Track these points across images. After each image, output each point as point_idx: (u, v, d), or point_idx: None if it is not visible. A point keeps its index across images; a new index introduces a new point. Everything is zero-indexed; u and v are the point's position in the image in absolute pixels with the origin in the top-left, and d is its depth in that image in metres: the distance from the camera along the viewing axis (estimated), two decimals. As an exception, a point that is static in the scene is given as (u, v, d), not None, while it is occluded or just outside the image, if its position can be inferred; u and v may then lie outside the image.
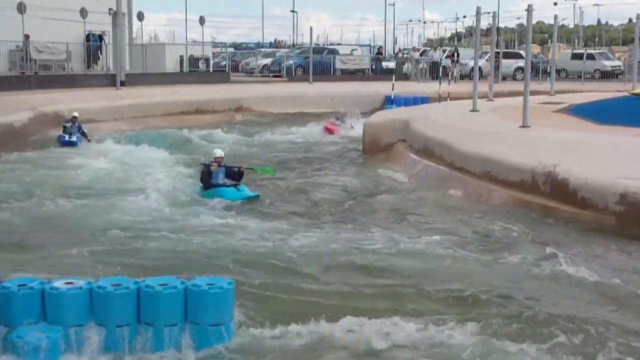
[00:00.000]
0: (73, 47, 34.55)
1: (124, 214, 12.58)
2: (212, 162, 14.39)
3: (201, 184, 14.48)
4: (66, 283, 6.85)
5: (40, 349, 6.46)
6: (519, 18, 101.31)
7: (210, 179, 14.26)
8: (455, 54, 41.46)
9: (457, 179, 14.96)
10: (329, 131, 25.90)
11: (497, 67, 40.91)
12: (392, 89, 31.54)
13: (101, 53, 37.11)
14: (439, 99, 23.84)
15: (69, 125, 22.16)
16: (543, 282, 9.15)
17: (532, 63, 22.64)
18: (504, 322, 7.68)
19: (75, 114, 22.70)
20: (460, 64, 41.17)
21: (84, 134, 22.44)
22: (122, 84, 32.75)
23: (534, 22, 19.68)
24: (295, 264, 9.63)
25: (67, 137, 21.85)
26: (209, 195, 14.09)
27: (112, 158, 19.08)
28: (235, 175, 14.42)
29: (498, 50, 35.49)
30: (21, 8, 31.05)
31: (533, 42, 32.46)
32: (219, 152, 14.70)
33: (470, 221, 12.28)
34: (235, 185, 14.18)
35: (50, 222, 12.12)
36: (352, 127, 25.76)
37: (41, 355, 6.46)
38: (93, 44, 36.52)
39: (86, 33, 35.83)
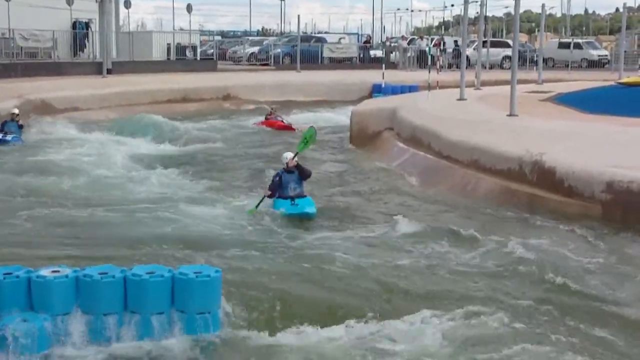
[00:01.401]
0: (59, 35, 34.38)
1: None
2: (283, 169, 12.27)
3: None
4: (52, 272, 6.83)
5: (26, 338, 6.45)
6: (506, 7, 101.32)
7: (280, 187, 12.14)
8: (442, 43, 41.47)
9: (444, 167, 14.98)
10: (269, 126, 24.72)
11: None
12: (383, 78, 31.51)
13: (88, 41, 37.00)
14: (429, 87, 23.83)
15: (7, 124, 19.82)
16: (527, 273, 9.18)
17: (519, 52, 22.64)
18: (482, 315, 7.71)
19: (15, 110, 20.45)
20: (447, 52, 41.21)
21: (20, 127, 20.15)
22: (109, 72, 32.63)
23: (521, 11, 19.68)
24: (286, 259, 9.55)
25: (0, 136, 19.39)
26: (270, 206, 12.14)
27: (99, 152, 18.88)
28: (306, 174, 12.31)
29: (485, 40, 35.54)
30: (7, -5, 30.88)
31: (520, 31, 32.49)
32: (290, 156, 12.32)
33: (456, 210, 12.30)
34: (292, 197, 12.00)
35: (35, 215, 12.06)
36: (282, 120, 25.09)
37: (27, 344, 6.45)
38: (79, 31, 36.36)
39: (73, 20, 35.68)
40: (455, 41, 45.36)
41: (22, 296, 6.73)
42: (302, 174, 12.18)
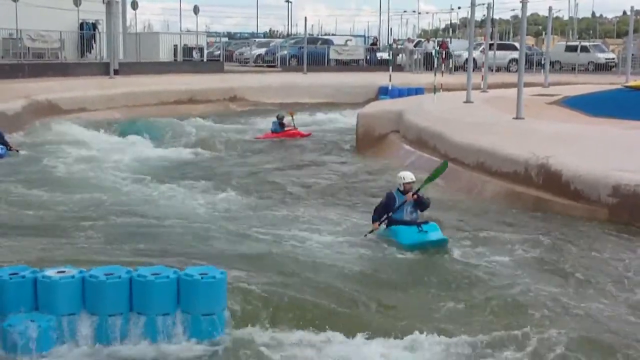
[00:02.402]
0: (66, 36, 34.47)
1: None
2: (398, 189, 10.66)
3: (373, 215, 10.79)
4: (58, 272, 6.84)
5: (32, 338, 6.46)
6: (513, 10, 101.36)
7: (392, 212, 10.59)
8: (448, 45, 41.50)
9: (451, 170, 14.94)
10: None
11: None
12: (390, 80, 31.48)
13: (95, 42, 37.03)
14: (434, 89, 23.81)
15: None
16: (532, 276, 9.17)
17: (526, 55, 22.63)
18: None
19: None
20: (453, 55, 41.22)
21: (4, 143, 18.00)
22: (116, 72, 32.68)
23: (528, 13, 19.65)
24: (293, 263, 9.47)
25: None
26: (384, 233, 10.66)
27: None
28: (425, 205, 10.70)
29: (492, 42, 35.51)
30: (15, -4, 30.98)
31: (527, 34, 32.46)
32: (409, 177, 10.68)
33: (463, 213, 12.28)
34: (417, 223, 10.45)
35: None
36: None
37: (33, 344, 6.46)
38: (87, 32, 36.43)
39: (80, 21, 35.75)
40: (439, 42, 45.40)
41: (28, 296, 6.74)
42: (421, 206, 10.65)
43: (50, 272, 6.83)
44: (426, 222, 10.49)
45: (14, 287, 6.70)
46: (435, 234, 10.31)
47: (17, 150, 18.13)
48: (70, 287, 6.74)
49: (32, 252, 9.48)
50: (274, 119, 23.34)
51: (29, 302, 6.74)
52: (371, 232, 10.63)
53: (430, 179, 10.98)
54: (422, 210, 10.71)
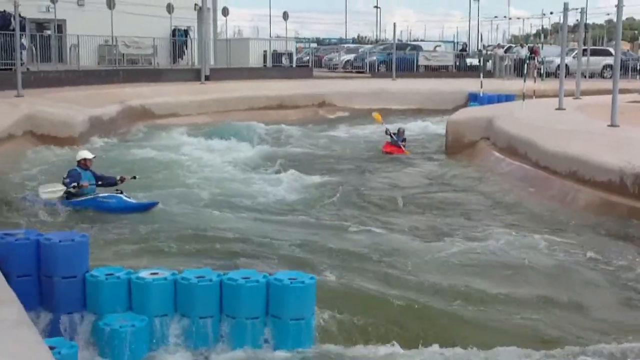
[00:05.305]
0: (159, 42, 35.25)
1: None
2: None
3: None
4: (152, 274, 6.98)
5: (126, 337, 6.61)
6: (608, 14, 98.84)
7: None
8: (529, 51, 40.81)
9: (542, 178, 14.70)
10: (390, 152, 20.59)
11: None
12: (481, 86, 31.10)
13: (186, 48, 37.82)
14: (523, 96, 23.44)
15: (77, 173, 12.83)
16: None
17: (621, 60, 22.08)
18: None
19: (89, 155, 13.19)
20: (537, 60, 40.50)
21: (102, 181, 13.14)
22: (207, 78, 33.21)
23: (623, 18, 19.19)
24: (389, 273, 9.42)
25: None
26: None
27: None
28: None
29: (585, 48, 34.83)
30: (110, 3, 31.86)
31: (622, 39, 31.70)
32: None
33: (558, 223, 12.05)
34: None
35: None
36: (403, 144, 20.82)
37: (127, 343, 6.61)
38: (179, 39, 37.20)
39: (172, 28, 36.53)
40: (530, 48, 44.65)
41: (122, 297, 6.90)
42: None
43: (144, 274, 6.98)
44: None
45: (110, 288, 6.88)
46: None
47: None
48: (162, 289, 6.87)
49: (127, 254, 9.72)
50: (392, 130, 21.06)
51: (124, 302, 6.91)
52: None
53: None
54: None
